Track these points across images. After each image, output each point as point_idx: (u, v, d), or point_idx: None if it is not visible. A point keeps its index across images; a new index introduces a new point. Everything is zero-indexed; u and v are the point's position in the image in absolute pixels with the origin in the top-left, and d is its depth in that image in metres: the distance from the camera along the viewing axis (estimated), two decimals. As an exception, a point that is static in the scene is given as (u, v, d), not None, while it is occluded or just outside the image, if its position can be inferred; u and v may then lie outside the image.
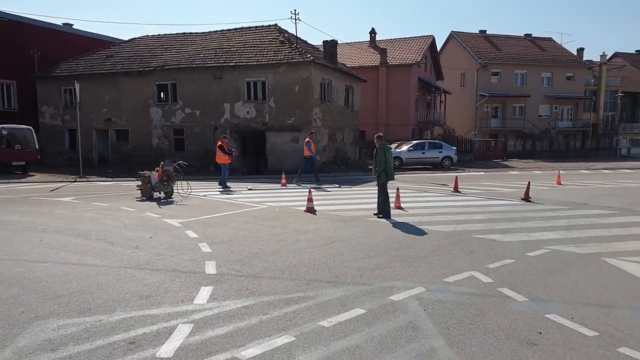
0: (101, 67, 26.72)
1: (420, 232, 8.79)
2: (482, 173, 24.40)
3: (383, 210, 10.33)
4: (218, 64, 24.05)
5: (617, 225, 9.65)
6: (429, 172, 24.40)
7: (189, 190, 14.08)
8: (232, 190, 15.75)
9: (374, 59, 35.56)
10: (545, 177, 21.21)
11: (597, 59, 51.61)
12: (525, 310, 4.93)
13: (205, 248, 7.60)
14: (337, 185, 17.04)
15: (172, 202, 13.03)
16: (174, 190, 14.08)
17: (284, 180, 17.38)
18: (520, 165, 30.77)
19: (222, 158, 16.39)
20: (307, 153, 17.44)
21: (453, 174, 20.76)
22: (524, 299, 5.26)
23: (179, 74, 24.88)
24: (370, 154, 25.89)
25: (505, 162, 33.05)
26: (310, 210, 11.09)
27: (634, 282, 5.94)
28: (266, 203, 12.68)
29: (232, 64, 23.77)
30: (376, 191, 10.64)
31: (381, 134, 10.81)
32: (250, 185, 17.34)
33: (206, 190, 15.91)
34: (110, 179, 20.24)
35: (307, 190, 11.83)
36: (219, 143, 16.57)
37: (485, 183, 18.46)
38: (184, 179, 14.36)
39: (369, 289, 5.57)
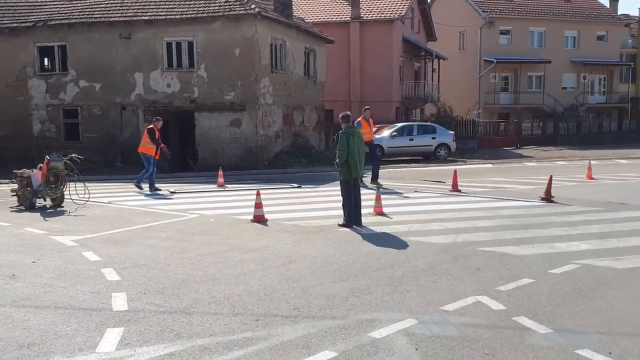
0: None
1: (409, 246, 8.90)
2: (490, 165, 24.98)
3: (344, 216, 10.47)
4: (126, 18, 23.68)
5: (665, 230, 10.05)
6: (419, 164, 24.76)
7: (87, 196, 13.83)
8: (160, 193, 15.64)
9: (343, 12, 35.78)
10: (571, 169, 21.92)
11: (634, 12, 53.80)
12: (550, 346, 5.06)
13: (111, 275, 7.50)
14: (296, 185, 17.07)
15: (62, 213, 12.83)
16: (66, 196, 13.80)
17: (221, 179, 17.27)
18: (539, 154, 31.68)
19: (147, 147, 16.10)
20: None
21: (451, 167, 21.13)
22: (548, 330, 5.40)
23: (71, 32, 24.33)
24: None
25: (520, 151, 33.95)
26: (259, 219, 11.09)
27: (687, 304, 6.21)
28: (197, 211, 12.61)
29: (146, 17, 23.44)
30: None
31: (348, 112, 10.97)
32: (173, 186, 17.16)
33: (112, 195, 15.69)
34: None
35: (255, 192, 11.79)
36: (149, 126, 16.33)
37: (494, 178, 18.90)
38: (79, 180, 14.06)
39: (342, 325, 5.60)
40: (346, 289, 6.75)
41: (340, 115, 10.88)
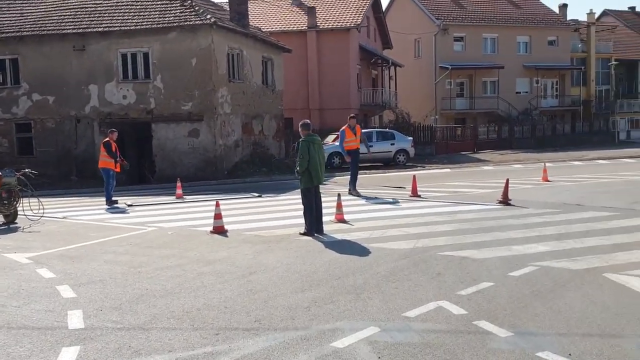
0: None
1: (371, 253, 8.88)
2: (448, 170, 25.30)
3: (305, 224, 10.44)
4: (80, 30, 23.42)
5: (619, 230, 10.25)
6: (379, 170, 24.90)
7: (41, 211, 13.46)
8: (118, 207, 15.30)
9: (299, 21, 35.87)
10: (527, 172, 22.35)
11: (583, 18, 55.43)
12: (510, 349, 5.06)
13: (66, 292, 7.30)
14: (256, 195, 16.93)
15: (16, 229, 12.55)
16: (19, 212, 13.43)
17: (179, 191, 17.03)
18: (495, 158, 32.27)
19: (106, 161, 15.68)
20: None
21: (410, 173, 21.32)
22: (508, 333, 5.41)
23: (22, 44, 23.98)
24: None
25: (477, 155, 34.54)
26: (219, 230, 10.95)
27: (642, 301, 6.32)
28: (154, 224, 12.41)
29: (100, 29, 23.20)
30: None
31: (307, 121, 10.96)
32: (130, 199, 16.87)
33: (68, 210, 15.40)
34: None
35: (214, 203, 11.65)
36: (105, 139, 15.89)
37: (452, 183, 19.13)
38: (32, 195, 13.70)
39: (304, 335, 5.52)
40: (308, 299, 6.67)
41: (300, 124, 10.84)
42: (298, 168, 10.45)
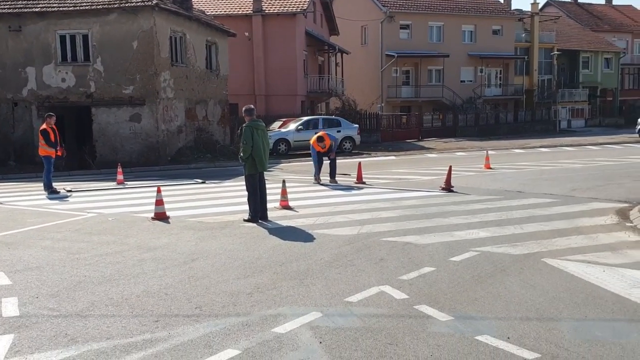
0: None
1: (315, 239, 8.91)
2: (393, 157, 25.61)
3: (249, 211, 10.39)
4: (15, 10, 22.58)
5: (559, 216, 10.59)
6: (325, 158, 24.88)
7: (-26, 197, 12.95)
8: (58, 194, 14.77)
9: (244, 4, 35.42)
10: (470, 160, 22.82)
11: (527, 8, 56.64)
12: (450, 333, 5.16)
13: (1, 279, 7.12)
14: (200, 181, 16.72)
15: (-54, 216, 12.06)
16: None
17: (120, 177, 16.66)
18: (439, 145, 32.79)
19: (46, 150, 14.91)
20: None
21: (356, 160, 21.46)
22: (449, 317, 5.52)
23: (-46, 23, 22.79)
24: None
25: (422, 143, 35.03)
26: (161, 216, 10.79)
27: (578, 285, 6.52)
28: (94, 210, 12.13)
29: (37, 9, 22.41)
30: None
31: (251, 106, 10.83)
32: (70, 184, 16.41)
33: (4, 195, 14.98)
34: None
35: (156, 188, 11.44)
36: (42, 126, 15.09)
37: (397, 170, 19.39)
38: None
39: (245, 321, 5.49)
40: (251, 285, 6.64)
41: (243, 109, 10.71)
42: (242, 154, 10.35)
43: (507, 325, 5.33)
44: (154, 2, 21.34)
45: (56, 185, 15.49)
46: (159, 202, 10.90)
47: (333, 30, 44.11)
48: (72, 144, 23.86)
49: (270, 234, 9.40)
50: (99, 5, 21.94)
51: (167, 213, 10.97)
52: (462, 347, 4.85)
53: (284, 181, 12.26)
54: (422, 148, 31.26)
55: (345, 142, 27.02)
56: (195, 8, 27.24)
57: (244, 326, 5.38)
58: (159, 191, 11.06)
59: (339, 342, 4.95)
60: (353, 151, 27.01)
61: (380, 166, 20.95)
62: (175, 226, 10.22)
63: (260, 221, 10.24)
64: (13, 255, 8.32)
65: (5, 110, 22.99)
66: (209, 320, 5.58)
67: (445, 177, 14.25)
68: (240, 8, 35.18)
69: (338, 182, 15.73)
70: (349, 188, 14.86)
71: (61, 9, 22.14)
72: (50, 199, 14.16)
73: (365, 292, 6.28)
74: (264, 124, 10.71)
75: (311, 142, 16.24)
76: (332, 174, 15.92)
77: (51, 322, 5.59)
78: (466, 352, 4.75)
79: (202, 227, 10.08)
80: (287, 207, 11.54)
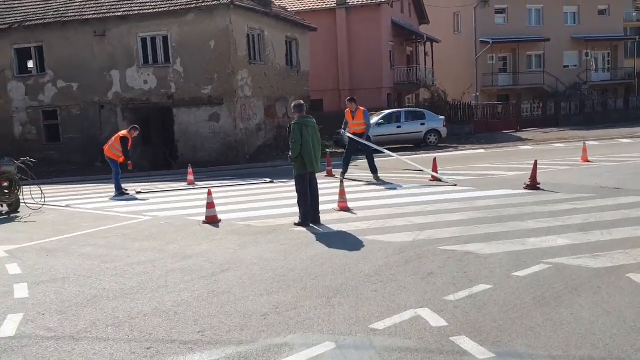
0: None
1: (363, 247, 7.95)
2: (482, 151, 23.92)
3: (300, 214, 9.62)
4: (100, 15, 23.15)
5: (660, 219, 8.96)
6: (406, 152, 23.60)
7: (43, 200, 12.99)
8: (127, 196, 14.71)
9: (327, -2, 34.74)
10: (567, 152, 20.81)
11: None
12: (486, 375, 4.10)
13: (20, 292, 6.74)
14: (268, 180, 16.09)
15: (14, 219, 12.19)
16: (21, 201, 13.02)
17: (190, 177, 16.38)
18: (538, 136, 30.51)
19: (115, 154, 14.88)
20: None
21: (440, 154, 20.13)
22: (489, 355, 4.42)
23: (46, 32, 23.86)
24: (329, 131, 25.16)
25: (519, 134, 32.77)
26: (212, 220, 10.24)
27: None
28: (152, 212, 11.83)
29: (119, 13, 22.84)
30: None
31: (301, 102, 9.99)
32: (144, 186, 16.34)
33: (75, 197, 15.10)
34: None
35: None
36: (123, 133, 15.11)
37: (481, 165, 17.85)
38: (34, 184, 13.27)
39: (244, 352, 4.68)
40: (270, 304, 5.81)
41: (292, 105, 9.93)
42: (290, 153, 9.56)
43: (564, 370, 4.18)
44: (229, 0, 21.05)
45: (132, 185, 15.44)
46: (210, 205, 10.34)
47: (422, 18, 42.55)
48: (159, 146, 24.18)
49: (316, 240, 8.53)
50: (177, 6, 22.01)
51: (220, 216, 10.40)
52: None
53: (342, 181, 11.34)
54: (518, 139, 29.16)
55: (430, 135, 25.53)
56: (275, 4, 26.88)
57: (240, 358, 4.56)
58: (209, 194, 10.50)
59: (338, 388, 4.02)
60: (439, 144, 25.50)
61: (464, 160, 19.47)
62: (222, 231, 9.60)
63: (311, 225, 9.41)
64: (46, 264, 7.99)
65: (92, 113, 23.62)
66: (205, 349, 4.82)
67: (530, 172, 12.75)
68: (323, 2, 34.49)
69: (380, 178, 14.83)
70: (419, 186, 13.67)
71: (141, 11, 22.40)
72: (115, 200, 14.06)
73: (397, 317, 5.28)
74: (314, 121, 9.85)
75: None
76: (373, 168, 15.07)
77: (39, 345, 5.11)
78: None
79: (249, 231, 9.38)
80: (346, 209, 10.59)
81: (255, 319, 5.44)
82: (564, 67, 46.31)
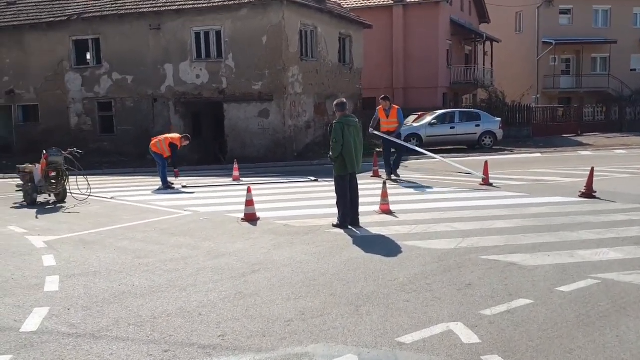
0: (-3, 18, 26.14)
1: (400, 253, 7.65)
2: (538, 155, 23.08)
3: (339, 216, 9.39)
4: (155, 9, 23.34)
5: None
6: (459, 154, 23.05)
7: (89, 191, 13.16)
8: (172, 189, 14.79)
9: (386, -5, 34.30)
10: (629, 159, 19.91)
11: None
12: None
13: (51, 285, 6.73)
14: (312, 179, 15.89)
15: (59, 209, 12.37)
16: (68, 192, 13.24)
17: (236, 173, 16.34)
18: (599, 141, 29.34)
19: (163, 149, 14.97)
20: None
21: (491, 157, 19.51)
22: (521, 378, 4.11)
23: (103, 24, 24.23)
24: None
25: (580, 138, 31.63)
26: (250, 218, 10.10)
27: None
28: (194, 207, 11.78)
29: (174, 7, 22.99)
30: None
31: (343, 100, 9.71)
32: (192, 180, 16.40)
33: (122, 189, 15.25)
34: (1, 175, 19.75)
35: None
36: (174, 138, 15.14)
37: (536, 170, 17.17)
38: (81, 174, 13.44)
39: (263, 361, 4.49)
40: (296, 310, 5.62)
41: (334, 103, 9.66)
42: (331, 153, 9.33)
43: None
44: (283, -5, 20.99)
45: (181, 179, 15.54)
46: (249, 203, 10.21)
47: (483, 17, 41.59)
48: (209, 140, 24.36)
49: (352, 243, 8.28)
50: (230, 1, 22.00)
51: (259, 214, 10.26)
52: None
53: (384, 182, 11.00)
54: (578, 144, 28.13)
55: (485, 137, 24.78)
56: (330, 1, 26.62)
57: (257, 368, 4.39)
58: (249, 191, 10.35)
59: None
60: (494, 147, 24.76)
61: (519, 165, 18.81)
62: (259, 229, 9.45)
63: (349, 227, 9.16)
64: (81, 256, 8.01)
65: (145, 106, 23.92)
66: (222, 355, 4.68)
67: (586, 180, 12.14)
68: (380, -1, 34.11)
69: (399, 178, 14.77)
70: (468, 190, 13.22)
71: (196, 6, 22.51)
72: (159, 194, 14.15)
73: (427, 331, 4.99)
74: (356, 120, 9.57)
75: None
76: (396, 165, 15.03)
77: (59, 343, 5.05)
78: None
79: (285, 231, 9.21)
80: (388, 212, 10.28)
81: (279, 324, 5.25)
82: (631, 70, 44.49)
